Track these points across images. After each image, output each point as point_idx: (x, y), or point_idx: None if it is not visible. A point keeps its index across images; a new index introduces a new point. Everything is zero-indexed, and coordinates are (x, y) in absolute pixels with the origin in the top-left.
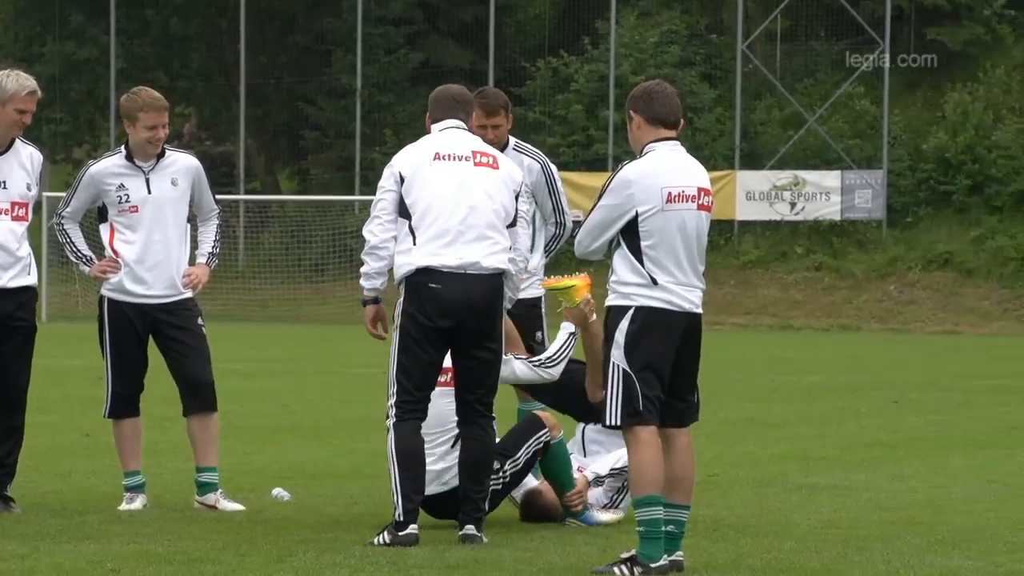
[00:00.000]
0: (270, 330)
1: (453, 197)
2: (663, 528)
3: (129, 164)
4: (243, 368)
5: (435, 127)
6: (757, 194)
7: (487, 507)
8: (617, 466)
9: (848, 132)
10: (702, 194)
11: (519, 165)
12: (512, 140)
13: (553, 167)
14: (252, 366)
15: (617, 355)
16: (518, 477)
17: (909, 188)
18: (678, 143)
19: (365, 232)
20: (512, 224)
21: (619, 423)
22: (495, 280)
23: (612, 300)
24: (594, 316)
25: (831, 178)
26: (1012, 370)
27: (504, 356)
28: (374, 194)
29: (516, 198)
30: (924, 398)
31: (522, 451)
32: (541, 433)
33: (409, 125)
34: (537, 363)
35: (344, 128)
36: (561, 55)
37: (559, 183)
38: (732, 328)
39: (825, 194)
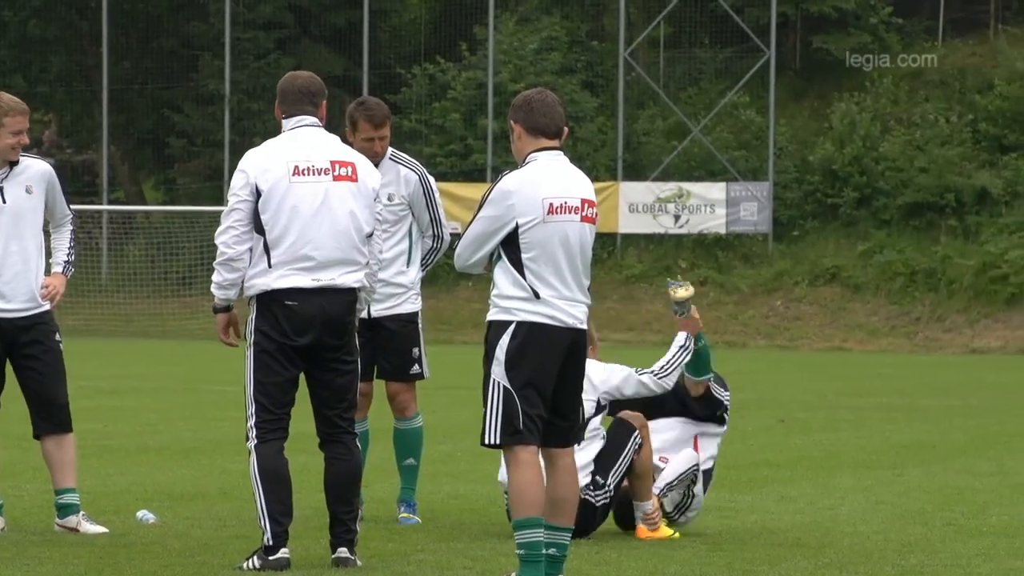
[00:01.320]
0: (135, 346)
1: (313, 222)
2: (544, 551)
3: None
4: (106, 385)
5: (286, 123)
6: (640, 206)
7: (359, 527)
8: (681, 472)
9: (733, 143)
10: (586, 206)
11: (395, 176)
12: (389, 150)
13: (430, 178)
14: (116, 383)
15: (497, 372)
16: (619, 487)
17: (795, 201)
18: (560, 153)
19: (218, 241)
20: (371, 234)
21: (498, 442)
22: (351, 295)
23: (493, 315)
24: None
25: (716, 190)
26: (900, 387)
27: (623, 369)
28: None
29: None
30: (811, 417)
31: (621, 458)
32: (634, 436)
33: (279, 133)
34: (653, 373)
35: (212, 136)
36: (438, 61)
37: (437, 194)
38: (615, 344)
39: (710, 206)
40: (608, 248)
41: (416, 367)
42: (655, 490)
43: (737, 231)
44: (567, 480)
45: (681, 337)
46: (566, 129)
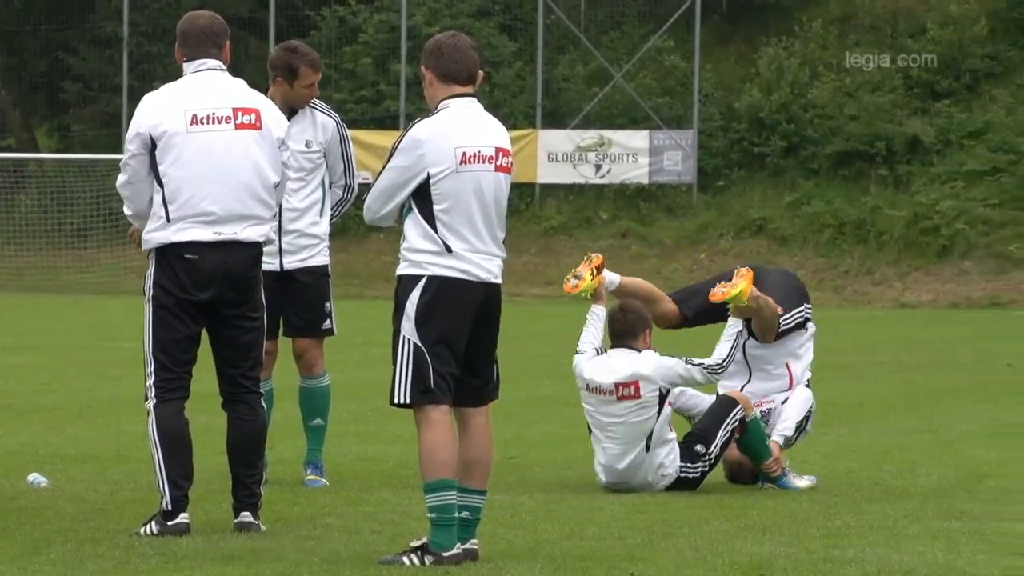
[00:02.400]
0: (27, 300)
1: (213, 174)
2: (457, 514)
3: None
4: None
5: (187, 67)
6: (560, 155)
7: (263, 491)
8: (801, 417)
9: (657, 89)
10: (500, 155)
11: (312, 122)
12: None
13: (344, 126)
14: (7, 340)
15: (408, 328)
16: (719, 459)
17: (721, 150)
18: (474, 100)
19: (120, 190)
20: (277, 184)
21: (408, 401)
22: (255, 249)
23: (403, 269)
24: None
25: (639, 138)
26: (827, 344)
27: (674, 359)
28: None
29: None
30: None
31: (720, 432)
32: (736, 411)
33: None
34: (706, 368)
35: (109, 81)
36: (348, 3)
37: (351, 143)
38: (533, 300)
39: (632, 155)
40: (526, 199)
41: (327, 322)
42: (777, 437)
43: (660, 181)
44: (480, 440)
45: (733, 325)
46: (481, 74)
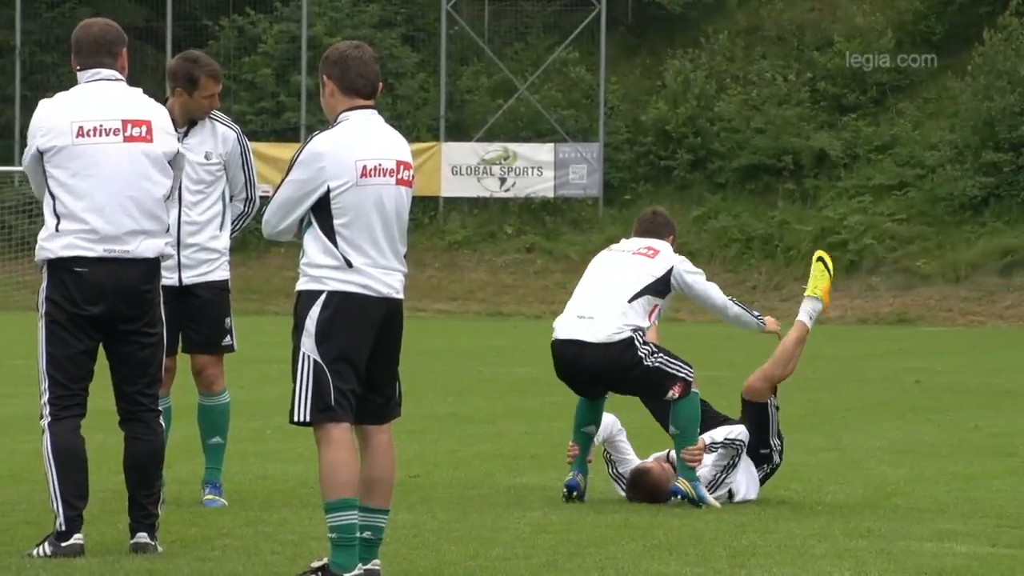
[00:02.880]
0: None
1: (101, 189)
2: (358, 535)
3: None
4: None
5: (80, 76)
6: (464, 168)
7: (160, 511)
8: (731, 436)
9: (562, 102)
10: (401, 168)
11: (212, 133)
12: None
13: (245, 138)
14: None
15: (307, 344)
16: (783, 447)
17: (627, 163)
18: (375, 112)
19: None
20: (168, 197)
21: (308, 419)
22: (148, 264)
23: (302, 284)
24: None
25: (544, 151)
26: (733, 360)
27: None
28: None
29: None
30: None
31: (771, 421)
32: (771, 401)
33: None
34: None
35: (1, 91)
36: (247, 13)
37: (251, 155)
38: (436, 315)
39: (537, 169)
40: (429, 213)
41: (228, 338)
42: (705, 437)
43: (566, 195)
44: (383, 459)
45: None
46: (380, 85)
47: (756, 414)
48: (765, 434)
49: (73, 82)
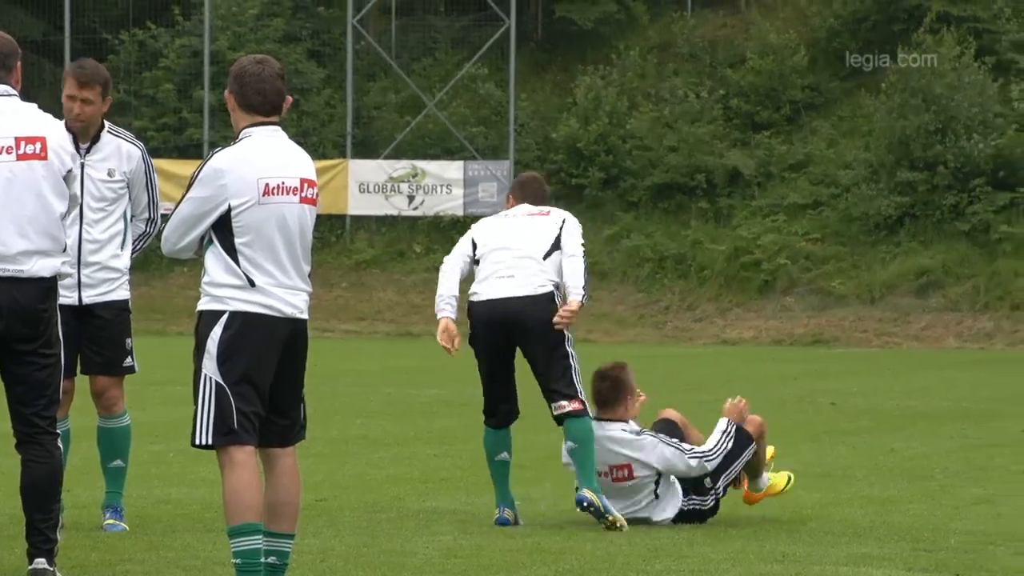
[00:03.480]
0: None
1: None
2: (263, 560)
3: None
4: None
5: None
6: (372, 186)
7: (59, 536)
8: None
9: (471, 119)
10: (305, 186)
11: (116, 150)
12: (107, 124)
13: (149, 156)
14: None
15: (209, 366)
16: (726, 491)
17: None
18: (279, 128)
19: None
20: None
21: (211, 442)
22: (46, 283)
23: (204, 304)
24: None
25: (453, 169)
26: (648, 381)
27: (679, 448)
28: None
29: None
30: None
31: (734, 466)
32: (750, 447)
33: None
34: (699, 455)
35: None
36: (148, 27)
37: (155, 174)
38: (344, 335)
39: (446, 186)
40: (336, 231)
41: (128, 359)
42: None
43: (476, 213)
44: (288, 483)
45: (722, 423)
46: (289, 99)
47: (736, 444)
48: (726, 466)
49: None
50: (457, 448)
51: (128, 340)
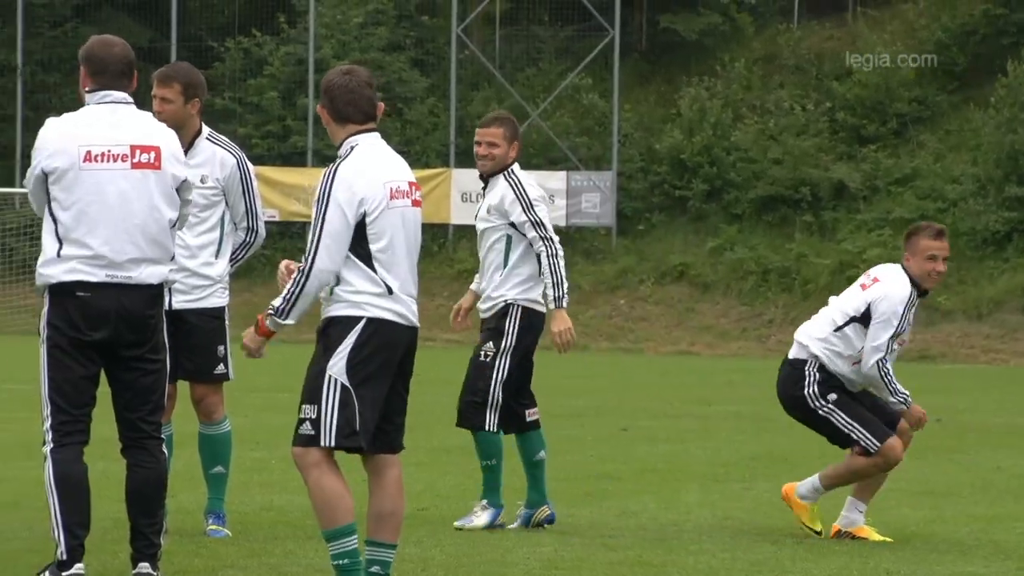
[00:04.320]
0: None
1: (106, 216)
2: (367, 569)
3: None
4: None
5: (90, 97)
6: (475, 195)
7: (163, 541)
8: None
9: (574, 129)
10: (413, 188)
11: (211, 157)
12: (206, 129)
13: (249, 164)
14: None
15: (338, 368)
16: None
17: (641, 192)
18: (377, 135)
19: (33, 207)
20: (176, 225)
21: (333, 444)
22: (153, 290)
23: (340, 310)
24: None
25: (556, 179)
26: (750, 395)
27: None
28: None
29: (179, 191)
30: (656, 425)
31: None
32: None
33: (77, 109)
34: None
35: (3, 111)
36: (254, 35)
37: (255, 182)
38: (445, 345)
39: (549, 197)
40: (439, 240)
41: (221, 367)
42: None
43: (578, 224)
44: (393, 493)
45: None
46: (381, 105)
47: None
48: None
49: (76, 102)
50: (558, 459)
51: (221, 347)
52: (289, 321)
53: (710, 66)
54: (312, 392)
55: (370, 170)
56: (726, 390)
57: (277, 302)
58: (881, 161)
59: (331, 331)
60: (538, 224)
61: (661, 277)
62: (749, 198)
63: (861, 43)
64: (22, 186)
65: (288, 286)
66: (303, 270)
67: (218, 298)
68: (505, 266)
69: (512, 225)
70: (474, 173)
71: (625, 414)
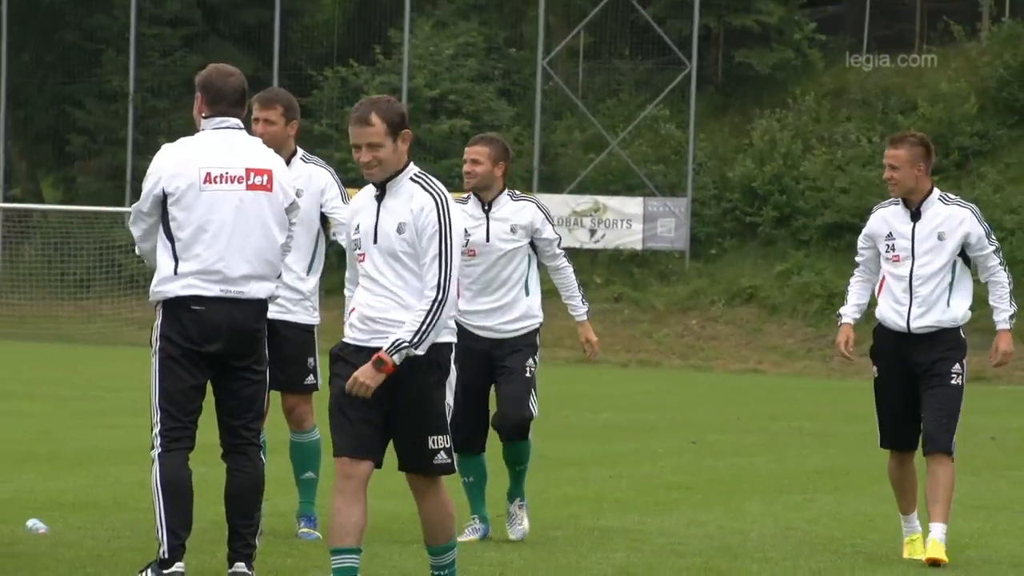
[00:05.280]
0: (28, 349)
1: (222, 235)
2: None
3: None
4: None
5: (206, 123)
6: (556, 219)
7: (258, 542)
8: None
9: (652, 157)
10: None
11: (304, 176)
12: (300, 151)
13: (339, 183)
14: (7, 387)
15: (450, 396)
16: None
17: (714, 218)
18: None
19: (135, 235)
20: (284, 244)
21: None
22: (261, 304)
23: (446, 336)
24: None
25: (633, 205)
26: (814, 412)
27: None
28: None
29: (288, 211)
30: (724, 439)
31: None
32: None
33: (184, 133)
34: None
35: (115, 134)
36: (351, 64)
37: (345, 199)
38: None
39: (627, 221)
40: None
41: (311, 378)
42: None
43: (653, 247)
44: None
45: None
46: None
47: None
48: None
49: (184, 126)
50: (630, 470)
51: (311, 359)
52: (419, 352)
53: (781, 99)
54: (441, 421)
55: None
56: (791, 407)
57: (407, 336)
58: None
59: (441, 359)
60: (559, 241)
61: (731, 299)
62: (816, 225)
63: (926, 79)
64: (131, 205)
65: (423, 318)
66: (439, 300)
67: (308, 314)
68: (531, 284)
69: (532, 244)
70: (556, 198)
71: (695, 428)
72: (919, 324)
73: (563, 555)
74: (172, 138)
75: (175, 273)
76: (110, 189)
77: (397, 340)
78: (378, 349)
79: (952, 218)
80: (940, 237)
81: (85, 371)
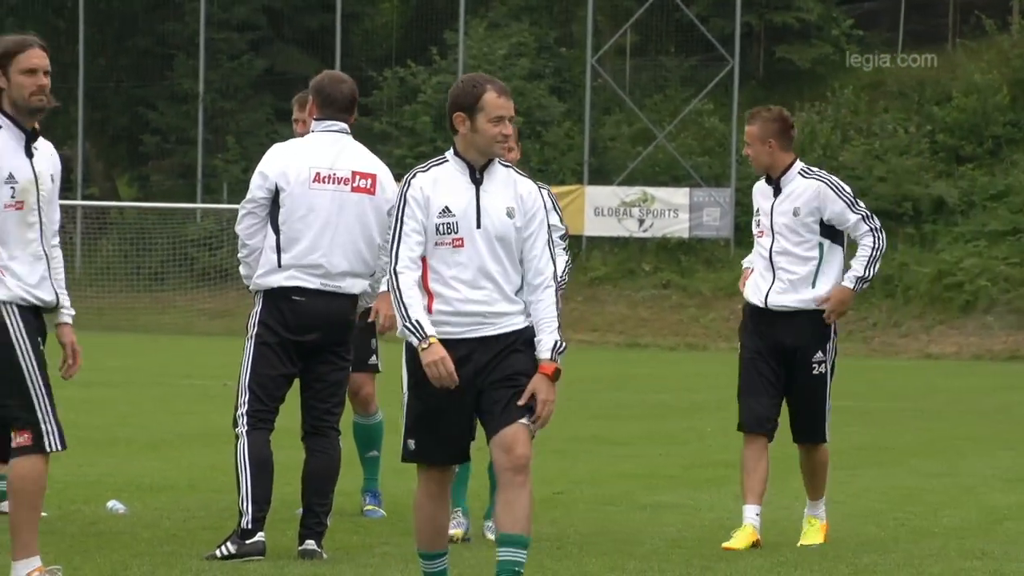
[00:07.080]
0: (106, 339)
1: (326, 231)
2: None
3: None
4: (78, 377)
5: (316, 125)
6: (606, 210)
7: (328, 521)
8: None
9: (697, 149)
10: None
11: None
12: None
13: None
14: (87, 375)
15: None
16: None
17: None
18: None
19: (240, 230)
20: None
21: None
22: (354, 298)
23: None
24: None
25: (680, 195)
26: (856, 391)
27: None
28: (216, 202)
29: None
30: None
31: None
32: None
33: (252, 132)
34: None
35: (186, 134)
36: (408, 65)
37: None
38: (579, 345)
39: (673, 211)
40: (574, 250)
41: (374, 358)
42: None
43: (700, 235)
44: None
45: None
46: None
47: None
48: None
49: (251, 126)
50: (681, 448)
51: (373, 340)
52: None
53: (821, 92)
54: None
55: None
56: (833, 386)
57: (557, 335)
58: (977, 179)
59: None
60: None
61: None
62: None
63: (960, 71)
64: (202, 202)
65: (557, 312)
66: (558, 289)
67: (371, 298)
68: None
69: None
70: (606, 190)
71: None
72: (776, 301)
73: (617, 529)
74: (240, 137)
75: (279, 265)
76: (182, 186)
77: (556, 344)
78: (473, 339)
79: (806, 191)
80: (796, 213)
81: (160, 360)
